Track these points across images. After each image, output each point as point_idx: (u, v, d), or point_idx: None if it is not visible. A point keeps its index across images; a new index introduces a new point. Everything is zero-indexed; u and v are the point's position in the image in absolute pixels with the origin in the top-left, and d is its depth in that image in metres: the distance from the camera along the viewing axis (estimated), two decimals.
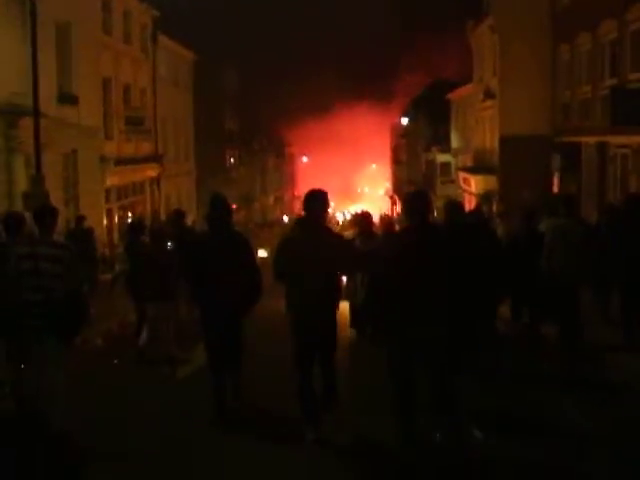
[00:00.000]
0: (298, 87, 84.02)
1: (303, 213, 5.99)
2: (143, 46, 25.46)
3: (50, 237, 6.03)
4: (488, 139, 26.52)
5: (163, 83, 27.77)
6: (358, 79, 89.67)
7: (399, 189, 59.17)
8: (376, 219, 20.38)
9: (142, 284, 9.10)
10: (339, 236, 6.41)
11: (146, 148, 25.49)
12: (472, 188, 27.61)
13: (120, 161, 21.88)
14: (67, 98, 17.85)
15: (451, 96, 36.29)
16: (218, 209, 6.56)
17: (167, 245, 9.89)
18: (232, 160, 45.62)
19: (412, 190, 5.94)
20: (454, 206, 7.87)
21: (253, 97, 50.57)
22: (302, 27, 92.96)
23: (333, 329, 5.96)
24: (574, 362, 7.88)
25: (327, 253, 5.69)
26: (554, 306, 8.27)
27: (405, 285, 5.27)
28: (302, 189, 74.40)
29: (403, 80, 64.02)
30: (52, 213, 6.26)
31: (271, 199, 58.36)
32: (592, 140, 18.97)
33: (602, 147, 18.31)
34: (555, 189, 17.17)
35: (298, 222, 6.32)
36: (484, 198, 23.22)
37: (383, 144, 75.98)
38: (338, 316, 6.09)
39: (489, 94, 24.98)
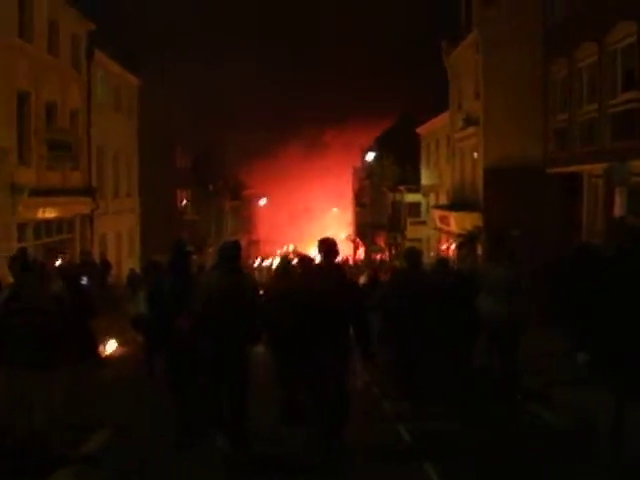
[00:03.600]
0: (256, 127, 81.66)
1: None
2: (75, 61, 22.06)
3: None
4: (468, 172, 23.68)
5: (101, 107, 24.34)
6: (318, 121, 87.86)
7: (363, 233, 56.70)
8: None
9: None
10: (249, 280, 7.10)
11: (76, 179, 21.89)
12: (452, 227, 24.57)
13: (39, 192, 18.21)
14: None
15: (421, 130, 33.67)
16: (177, 254, 7.34)
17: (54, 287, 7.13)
18: (185, 201, 42.21)
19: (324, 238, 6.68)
20: (411, 254, 9.02)
21: (207, 135, 47.56)
22: (261, 62, 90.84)
23: (242, 366, 6.47)
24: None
25: (239, 293, 6.44)
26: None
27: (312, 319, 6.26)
28: (260, 233, 71.23)
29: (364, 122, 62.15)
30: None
31: None
32: (598, 168, 16.21)
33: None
34: (617, 211, 13.43)
35: (214, 266, 7.28)
36: (469, 238, 20.22)
37: (345, 188, 73.85)
38: (251, 352, 6.78)
39: (470, 121, 22.23)
